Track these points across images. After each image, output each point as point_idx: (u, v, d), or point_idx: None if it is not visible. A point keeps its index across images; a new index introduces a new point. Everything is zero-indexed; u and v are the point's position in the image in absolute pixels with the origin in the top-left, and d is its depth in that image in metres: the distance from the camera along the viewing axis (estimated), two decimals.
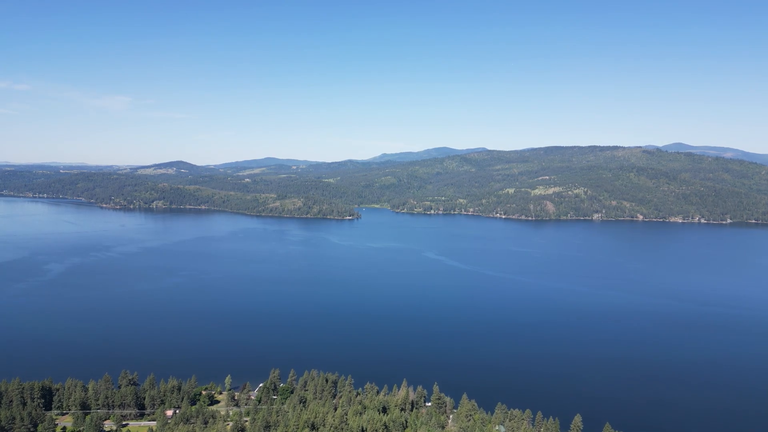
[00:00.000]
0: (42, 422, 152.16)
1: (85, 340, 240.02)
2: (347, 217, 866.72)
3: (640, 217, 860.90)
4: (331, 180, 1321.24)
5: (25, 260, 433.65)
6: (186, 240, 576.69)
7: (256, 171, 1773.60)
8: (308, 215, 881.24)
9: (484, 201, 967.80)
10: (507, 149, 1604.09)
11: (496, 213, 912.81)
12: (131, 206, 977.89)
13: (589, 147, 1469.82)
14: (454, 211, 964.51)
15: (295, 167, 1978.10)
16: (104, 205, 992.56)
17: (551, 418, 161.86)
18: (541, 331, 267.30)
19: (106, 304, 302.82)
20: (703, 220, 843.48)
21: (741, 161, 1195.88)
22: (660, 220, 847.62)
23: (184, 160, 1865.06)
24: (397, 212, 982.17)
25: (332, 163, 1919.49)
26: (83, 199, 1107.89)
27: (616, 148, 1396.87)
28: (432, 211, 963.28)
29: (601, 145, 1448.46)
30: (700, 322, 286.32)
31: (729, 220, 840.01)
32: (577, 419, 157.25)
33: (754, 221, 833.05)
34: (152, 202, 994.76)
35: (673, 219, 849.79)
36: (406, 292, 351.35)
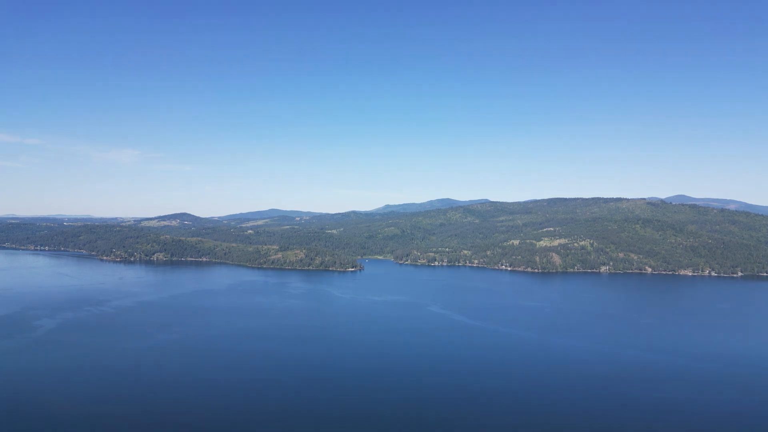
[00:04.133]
0: None
1: (61, 409, 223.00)
2: (350, 269, 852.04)
3: (649, 270, 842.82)
4: (335, 231, 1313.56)
5: (15, 315, 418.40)
6: (183, 293, 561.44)
7: (260, 222, 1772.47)
8: (310, 267, 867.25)
9: (489, 252, 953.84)
10: (510, 201, 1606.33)
11: (502, 265, 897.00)
12: (132, 258, 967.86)
13: (593, 198, 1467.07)
14: (459, 262, 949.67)
15: (299, 219, 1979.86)
16: (104, 258, 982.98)
17: None
18: (558, 397, 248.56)
19: (90, 365, 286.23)
20: (713, 273, 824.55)
21: (747, 213, 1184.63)
22: (669, 273, 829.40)
23: (189, 212, 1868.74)
24: (401, 263, 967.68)
25: (336, 214, 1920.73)
26: (84, 251, 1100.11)
27: (619, 199, 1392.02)
28: (436, 263, 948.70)
29: (605, 196, 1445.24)
30: (726, 385, 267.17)
31: (740, 273, 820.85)
32: None
33: (765, 274, 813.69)
34: (153, 254, 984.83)
35: (683, 272, 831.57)
36: (410, 350, 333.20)
